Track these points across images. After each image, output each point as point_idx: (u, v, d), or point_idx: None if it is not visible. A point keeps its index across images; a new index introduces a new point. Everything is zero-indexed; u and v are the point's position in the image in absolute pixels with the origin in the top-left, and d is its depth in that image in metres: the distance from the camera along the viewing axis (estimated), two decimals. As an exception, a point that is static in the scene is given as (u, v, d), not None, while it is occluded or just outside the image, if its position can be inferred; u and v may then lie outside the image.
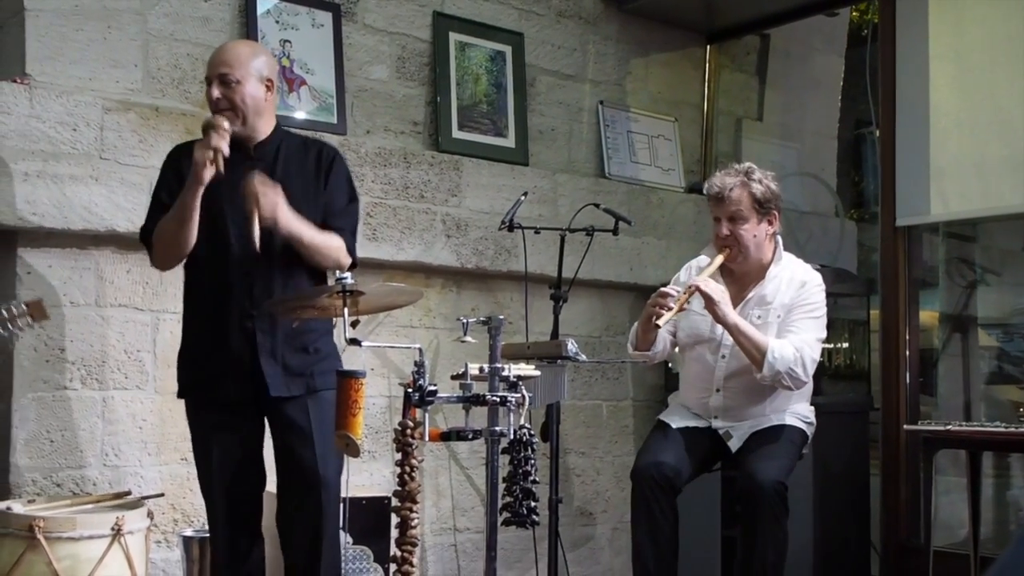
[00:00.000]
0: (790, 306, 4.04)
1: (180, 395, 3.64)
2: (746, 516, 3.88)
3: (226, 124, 3.37)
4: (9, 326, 3.34)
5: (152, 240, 3.54)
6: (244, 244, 3.41)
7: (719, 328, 4.05)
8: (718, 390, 4.10)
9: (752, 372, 3.97)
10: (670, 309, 3.89)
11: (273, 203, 3.35)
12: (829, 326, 4.17)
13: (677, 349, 4.35)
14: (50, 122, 4.02)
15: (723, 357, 4.10)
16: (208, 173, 3.33)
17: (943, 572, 4.45)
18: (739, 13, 6.14)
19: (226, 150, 3.34)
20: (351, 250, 3.59)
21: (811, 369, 3.97)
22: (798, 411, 4.11)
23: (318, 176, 3.59)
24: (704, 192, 4.28)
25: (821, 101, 6.89)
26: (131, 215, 4.13)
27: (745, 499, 3.87)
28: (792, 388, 3.97)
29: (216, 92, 3.50)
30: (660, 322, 3.90)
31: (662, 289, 3.99)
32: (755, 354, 3.90)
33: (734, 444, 4.06)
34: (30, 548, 3.37)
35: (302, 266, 3.55)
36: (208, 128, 3.37)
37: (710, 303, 3.90)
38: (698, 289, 3.89)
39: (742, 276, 4.14)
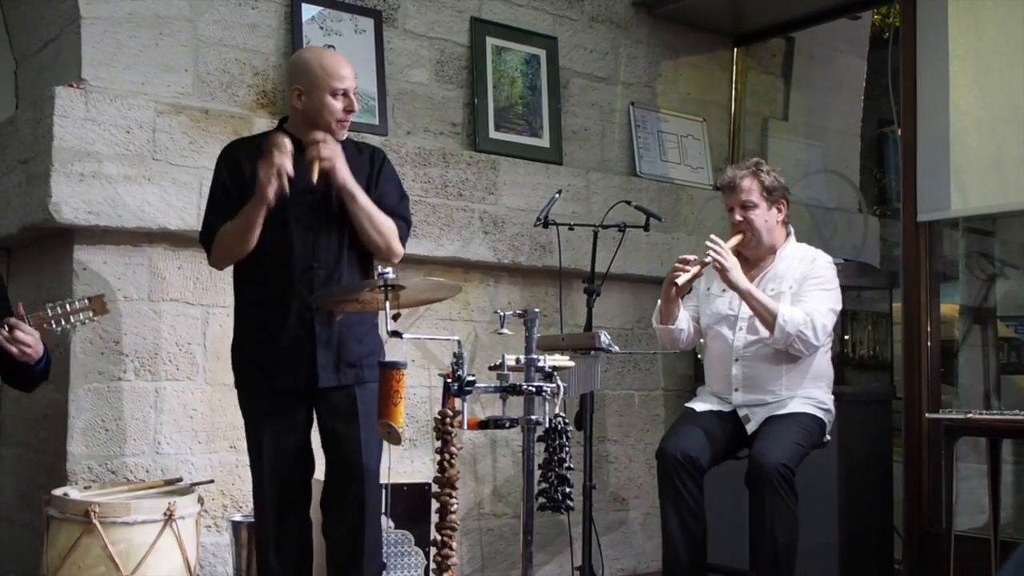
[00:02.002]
0: (801, 280, 4.12)
1: (237, 385, 3.59)
2: (754, 498, 3.90)
3: (289, 144, 3.32)
4: (68, 320, 3.33)
5: (213, 244, 3.50)
6: (306, 239, 3.42)
7: (736, 306, 4.18)
8: (737, 359, 4.15)
9: (767, 342, 4.06)
10: (687, 272, 3.99)
11: (333, 149, 3.34)
12: (853, 318, 4.17)
13: (702, 340, 4.38)
14: (105, 125, 4.00)
15: (740, 329, 4.16)
16: (273, 191, 3.28)
17: (964, 556, 4.39)
18: (765, 17, 6.08)
19: (290, 169, 3.29)
20: (403, 237, 3.56)
21: (822, 335, 4.02)
22: (814, 396, 4.12)
23: (370, 176, 3.56)
24: (717, 185, 4.42)
25: (844, 101, 6.81)
26: (182, 213, 4.12)
27: (752, 481, 3.89)
28: (803, 351, 4.02)
29: (344, 103, 3.46)
30: (679, 280, 4.00)
31: (681, 256, 4.09)
32: (767, 317, 3.99)
33: (751, 427, 4.09)
34: (86, 532, 3.37)
35: (359, 258, 3.52)
36: (272, 147, 3.30)
37: (723, 271, 3.99)
38: (711, 250, 3.97)
39: (755, 260, 4.23)
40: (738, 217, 4.17)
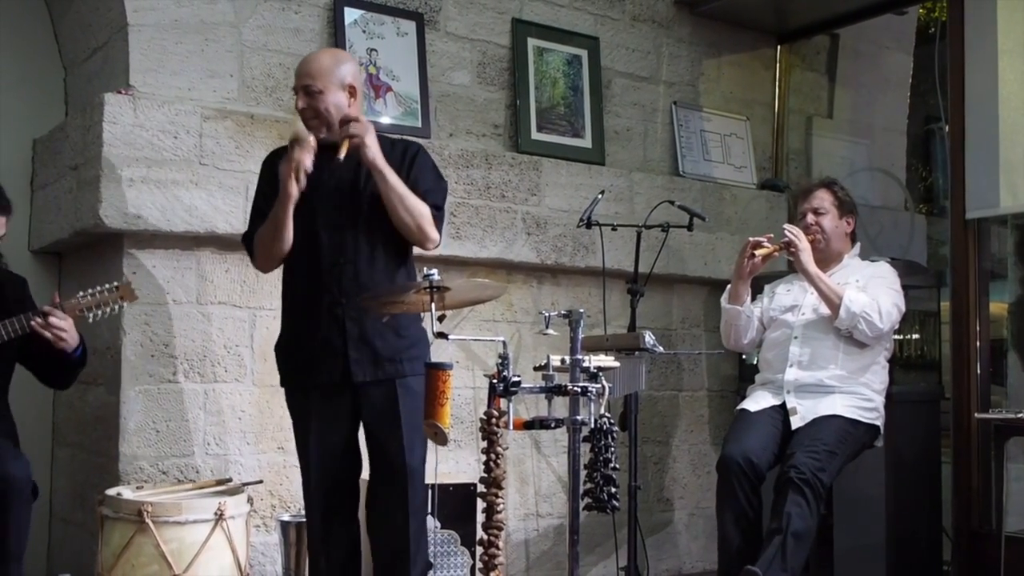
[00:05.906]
0: (868, 278, 4.32)
1: (281, 383, 3.67)
2: (779, 492, 3.99)
3: (311, 139, 3.39)
4: (100, 307, 3.58)
5: (252, 246, 3.61)
6: (333, 235, 3.48)
7: (800, 298, 4.39)
8: (796, 337, 4.35)
9: (826, 322, 4.26)
10: (766, 247, 4.27)
11: (366, 127, 3.41)
12: (901, 318, 4.21)
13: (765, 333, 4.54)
14: (153, 130, 4.09)
15: (802, 314, 4.36)
16: (294, 186, 3.36)
17: (1015, 557, 4.39)
18: (809, 14, 6.04)
19: (309, 164, 3.36)
20: (437, 220, 3.57)
21: (887, 321, 4.20)
22: (862, 393, 4.23)
23: (401, 170, 3.56)
24: (792, 195, 4.72)
25: (890, 98, 6.77)
26: (229, 217, 4.20)
27: (780, 487, 4.00)
28: (867, 333, 4.18)
29: (301, 102, 3.54)
30: (759, 252, 4.27)
31: (754, 239, 4.35)
32: (833, 299, 4.21)
33: (796, 421, 4.18)
34: (139, 531, 3.45)
35: (388, 254, 3.55)
36: (293, 142, 3.40)
37: (796, 252, 4.23)
38: (788, 232, 4.27)
39: (822, 264, 4.37)
40: (810, 220, 4.43)
